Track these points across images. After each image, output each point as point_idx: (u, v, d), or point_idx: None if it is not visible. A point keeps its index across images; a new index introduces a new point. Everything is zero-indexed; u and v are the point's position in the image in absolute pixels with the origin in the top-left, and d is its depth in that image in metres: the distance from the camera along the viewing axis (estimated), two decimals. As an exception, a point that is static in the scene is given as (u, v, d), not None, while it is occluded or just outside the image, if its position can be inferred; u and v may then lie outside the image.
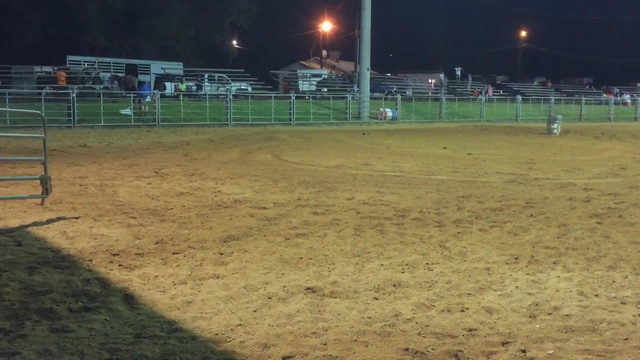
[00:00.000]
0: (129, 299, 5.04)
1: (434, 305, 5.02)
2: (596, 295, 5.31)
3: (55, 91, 29.83)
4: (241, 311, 4.82)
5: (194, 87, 39.96)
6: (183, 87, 38.72)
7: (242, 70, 46.14)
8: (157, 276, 5.65)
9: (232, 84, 40.85)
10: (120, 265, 5.97)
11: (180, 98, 32.25)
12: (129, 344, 4.13)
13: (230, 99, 29.23)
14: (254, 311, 4.83)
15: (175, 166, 13.50)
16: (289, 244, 6.90)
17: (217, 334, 4.37)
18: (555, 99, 46.28)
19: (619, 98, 58.23)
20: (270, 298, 5.13)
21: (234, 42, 75.83)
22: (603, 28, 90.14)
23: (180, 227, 7.60)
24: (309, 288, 5.38)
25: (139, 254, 6.38)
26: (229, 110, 28.79)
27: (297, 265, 6.10)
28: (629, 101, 56.43)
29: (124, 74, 40.87)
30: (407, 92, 47.54)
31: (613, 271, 6.01)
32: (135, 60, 48.83)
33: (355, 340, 4.30)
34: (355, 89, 40.22)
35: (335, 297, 5.18)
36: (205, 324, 4.56)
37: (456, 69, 62.64)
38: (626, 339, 4.39)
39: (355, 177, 12.40)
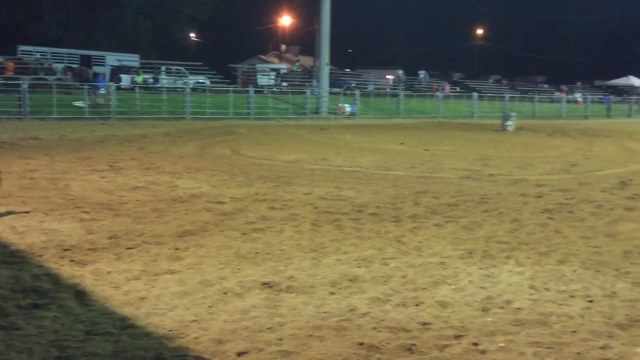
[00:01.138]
0: (80, 295, 4.93)
1: (389, 300, 5.06)
2: (546, 289, 5.43)
3: (5, 82, 28.95)
4: (196, 307, 4.78)
5: (151, 80, 39.36)
6: (139, 79, 38.09)
7: (201, 64, 45.60)
8: (110, 272, 5.55)
9: (190, 77, 40.36)
10: (71, 260, 5.83)
11: (136, 91, 31.72)
12: (79, 341, 4.04)
13: (188, 93, 28.88)
14: (209, 307, 4.79)
15: (131, 160, 13.28)
16: (246, 239, 6.86)
17: (171, 330, 4.32)
18: (509, 97, 47.07)
19: (571, 96, 59.61)
20: (225, 293, 5.09)
21: (192, 35, 74.92)
22: (558, 28, 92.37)
23: (135, 221, 7.48)
24: (265, 283, 5.36)
25: (92, 249, 6.25)
26: (186, 104, 28.45)
27: (253, 260, 6.07)
28: (580, 99, 57.83)
29: (78, 65, 39.97)
30: (368, 88, 47.66)
31: (563, 265, 6.15)
32: (90, 52, 47.74)
33: (311, 335, 4.31)
34: (314, 84, 40.23)
35: (292, 292, 5.17)
36: (159, 320, 4.49)
37: (419, 72, 62.83)
38: (574, 331, 4.50)
39: (313, 172, 12.40)
